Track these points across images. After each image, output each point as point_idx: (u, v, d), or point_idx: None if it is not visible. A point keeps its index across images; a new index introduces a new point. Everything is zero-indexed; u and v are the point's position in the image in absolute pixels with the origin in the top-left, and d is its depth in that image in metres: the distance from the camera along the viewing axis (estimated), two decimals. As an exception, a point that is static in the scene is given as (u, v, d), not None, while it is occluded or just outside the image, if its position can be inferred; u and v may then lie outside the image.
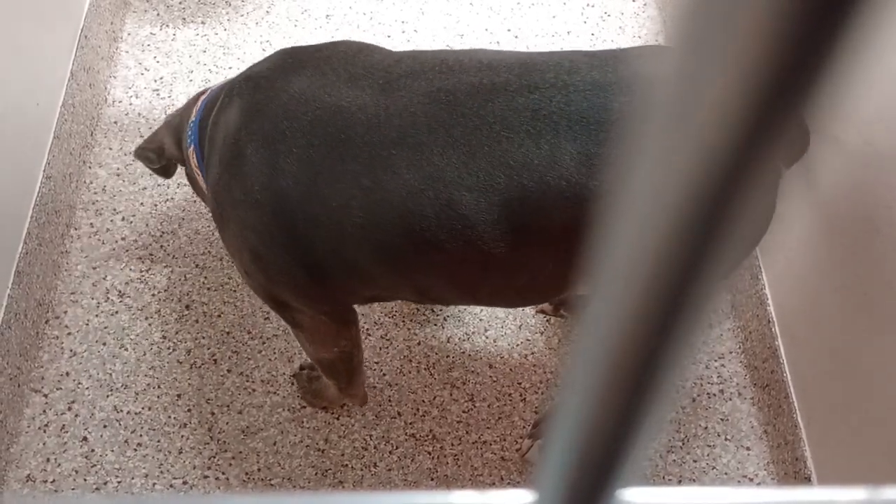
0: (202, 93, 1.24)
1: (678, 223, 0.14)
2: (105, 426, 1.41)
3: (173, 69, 1.86)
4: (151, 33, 1.92)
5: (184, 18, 1.94)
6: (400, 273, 1.02)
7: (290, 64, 1.03)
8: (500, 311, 1.55)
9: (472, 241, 0.94)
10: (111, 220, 1.64)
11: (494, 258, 0.96)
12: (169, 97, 1.81)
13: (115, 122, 1.77)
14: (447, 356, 1.51)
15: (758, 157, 0.14)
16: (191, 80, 1.84)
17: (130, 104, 1.80)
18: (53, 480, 1.36)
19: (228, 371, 1.48)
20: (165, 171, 1.33)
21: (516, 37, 1.95)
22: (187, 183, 1.68)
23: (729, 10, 0.12)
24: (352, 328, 1.21)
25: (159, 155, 1.28)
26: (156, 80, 1.84)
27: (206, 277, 1.58)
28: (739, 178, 0.14)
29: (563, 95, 0.92)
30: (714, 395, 1.50)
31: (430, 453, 1.41)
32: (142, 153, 1.30)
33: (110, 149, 1.73)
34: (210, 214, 1.63)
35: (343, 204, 0.95)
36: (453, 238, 0.94)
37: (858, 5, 0.12)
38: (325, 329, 1.17)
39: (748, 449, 1.44)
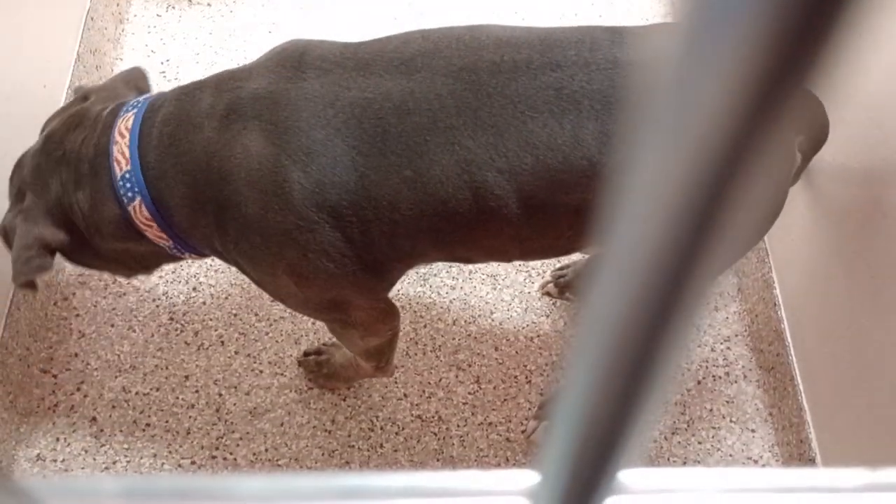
0: (103, 143, 0.97)
1: (682, 205, 0.14)
2: (114, 407, 1.42)
3: (179, 51, 1.85)
4: (157, 15, 1.91)
5: (190, 0, 1.94)
6: (444, 249, 1.02)
7: (291, 73, 0.95)
8: (505, 295, 1.55)
9: (506, 217, 0.95)
10: (118, 203, 1.64)
11: (524, 230, 0.97)
12: (176, 79, 1.81)
13: (122, 104, 1.77)
14: (453, 338, 1.51)
15: (762, 135, 0.14)
16: (197, 62, 1.83)
17: (137, 86, 1.80)
18: (63, 460, 1.37)
19: (236, 353, 1.48)
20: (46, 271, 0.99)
21: (523, 19, 1.94)
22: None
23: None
24: (394, 305, 1.19)
25: (47, 250, 0.99)
26: (162, 63, 1.84)
27: (212, 260, 1.58)
28: (745, 155, 0.14)
29: (584, 73, 0.91)
30: (719, 377, 1.50)
31: (435, 434, 1.42)
32: (25, 276, 0.97)
33: (117, 131, 1.73)
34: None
35: (392, 200, 0.94)
36: (489, 216, 0.95)
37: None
38: (377, 317, 1.14)
39: (753, 431, 1.45)
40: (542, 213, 0.95)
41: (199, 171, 0.95)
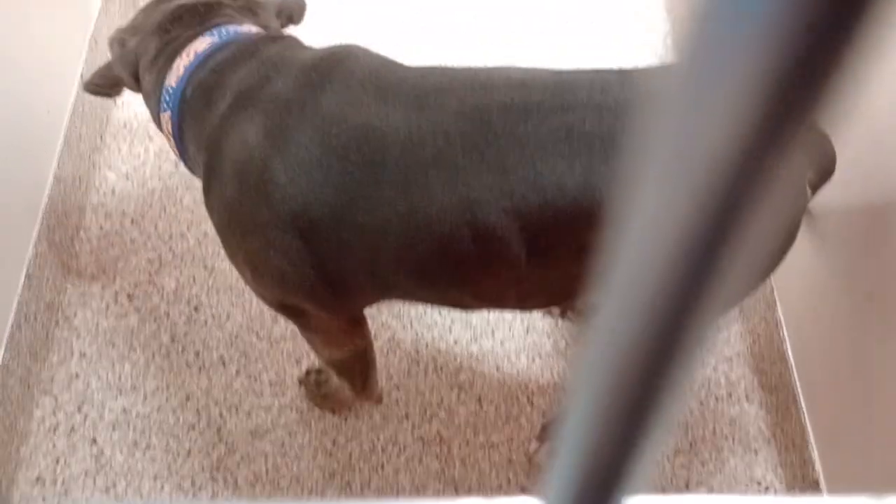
0: (176, 47, 1.10)
1: (686, 246, 0.14)
2: (114, 428, 1.42)
3: (182, 72, 1.86)
4: (160, 36, 1.93)
5: (192, 21, 1.95)
6: (433, 289, 1.01)
7: (317, 81, 0.97)
8: (507, 314, 1.55)
9: (506, 259, 0.93)
10: (120, 223, 1.64)
11: (525, 273, 0.96)
12: (178, 100, 1.82)
13: (125, 125, 1.78)
14: (455, 358, 1.51)
15: (769, 174, 0.14)
16: (199, 83, 1.84)
17: (140, 107, 1.80)
18: (63, 482, 1.37)
19: (237, 373, 1.48)
20: (115, 94, 1.26)
21: (519, 55, 1.95)
22: (196, 186, 1.69)
23: (736, 22, 0.12)
24: (364, 325, 1.20)
25: (114, 88, 1.22)
26: (165, 83, 1.85)
27: (214, 279, 1.58)
28: (751, 196, 0.14)
29: (595, 115, 0.90)
30: (722, 398, 1.49)
31: (437, 455, 1.42)
32: (95, 89, 1.22)
33: (120, 151, 1.74)
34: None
35: (379, 230, 0.93)
36: (487, 258, 0.93)
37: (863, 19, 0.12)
38: (338, 330, 1.16)
39: (756, 452, 1.44)
40: (546, 257, 0.94)
41: (205, 132, 1.02)
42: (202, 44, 1.07)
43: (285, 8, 1.23)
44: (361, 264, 0.96)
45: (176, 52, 1.08)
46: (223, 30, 1.09)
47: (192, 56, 1.06)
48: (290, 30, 1.21)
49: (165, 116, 1.09)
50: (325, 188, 0.93)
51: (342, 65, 0.99)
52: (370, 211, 0.93)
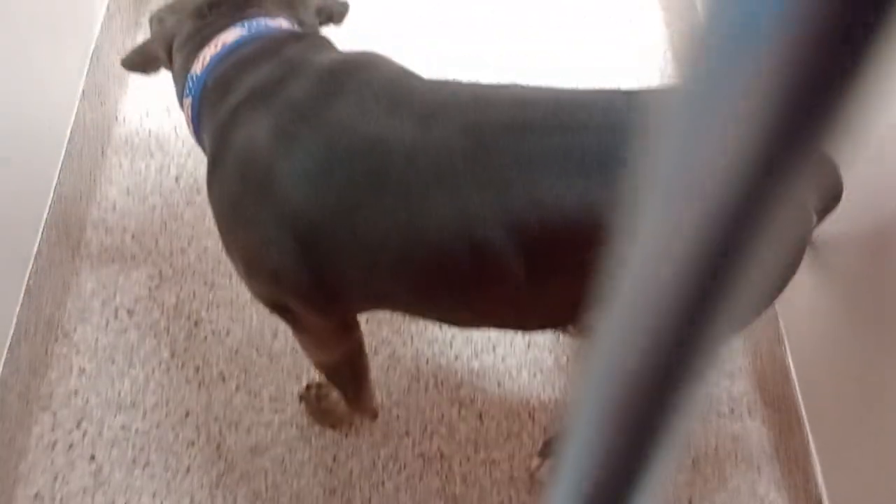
0: (207, 35, 1.12)
1: (688, 264, 0.14)
2: (113, 444, 1.41)
3: (184, 88, 1.87)
4: (162, 53, 1.93)
5: (194, 38, 1.96)
6: (426, 302, 1.02)
7: (331, 87, 0.99)
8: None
9: (502, 276, 0.94)
10: (121, 238, 1.64)
11: (521, 291, 0.96)
12: (179, 116, 1.82)
13: (126, 141, 1.78)
14: (455, 374, 1.50)
15: (772, 199, 0.13)
16: (201, 99, 1.85)
17: (141, 123, 1.81)
18: (61, 499, 1.36)
19: (237, 389, 1.47)
20: (151, 70, 1.27)
21: (524, 72, 1.96)
22: (196, 202, 1.69)
23: (739, 49, 0.12)
24: (355, 330, 1.20)
25: (151, 65, 1.23)
26: (166, 100, 1.85)
27: (214, 295, 1.58)
28: (754, 220, 0.14)
29: (596, 136, 0.91)
30: (724, 414, 1.49)
31: (438, 472, 1.41)
32: (132, 64, 1.24)
33: (121, 167, 1.74)
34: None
35: (377, 239, 0.94)
36: (484, 273, 0.94)
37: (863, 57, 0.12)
38: (328, 332, 1.16)
39: (759, 470, 1.43)
40: (544, 276, 0.94)
41: (218, 123, 1.04)
42: (231, 35, 1.09)
43: (326, 6, 1.24)
44: (357, 271, 0.97)
45: (206, 40, 1.11)
46: (254, 23, 1.11)
47: (219, 47, 1.09)
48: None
49: (187, 102, 1.12)
50: (327, 193, 0.94)
51: (359, 73, 1.00)
52: (370, 220, 0.94)
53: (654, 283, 0.15)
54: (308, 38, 1.10)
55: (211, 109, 1.07)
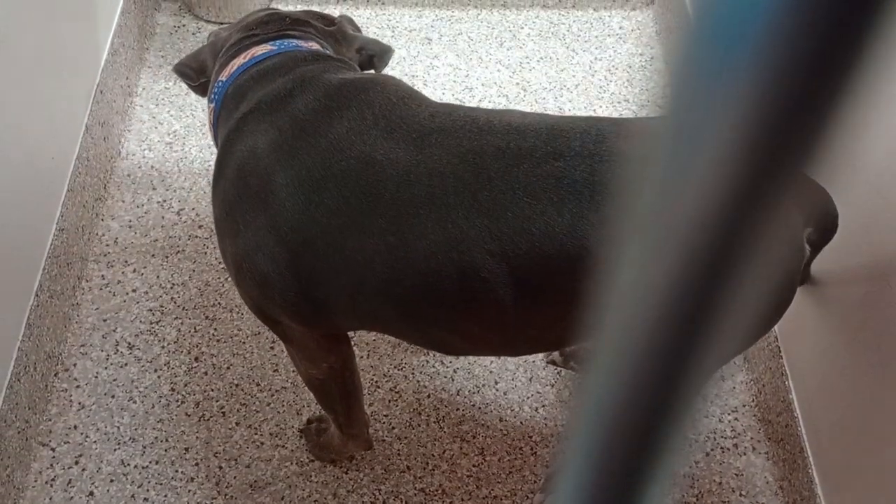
0: (243, 47, 1.17)
1: (673, 294, 0.14)
2: (112, 481, 1.40)
3: (186, 122, 1.88)
4: (166, 87, 1.95)
5: (197, 73, 1.97)
6: (413, 324, 1.02)
7: (334, 106, 1.02)
8: (510, 364, 1.54)
9: (491, 302, 0.94)
10: (122, 272, 1.64)
11: (510, 317, 0.96)
12: (182, 150, 1.83)
13: (129, 175, 1.79)
14: (457, 409, 1.49)
15: (757, 227, 0.13)
16: (203, 134, 1.86)
17: (144, 157, 1.82)
18: (59, 536, 1.34)
19: (237, 424, 1.47)
20: (203, 89, 1.28)
21: (524, 90, 1.97)
22: (198, 236, 1.69)
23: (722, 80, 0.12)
24: (343, 345, 1.20)
25: (199, 73, 1.26)
26: (169, 134, 1.86)
27: (215, 329, 1.57)
28: (735, 245, 0.14)
29: (587, 164, 0.92)
30: (728, 449, 1.47)
31: (439, 509, 1.39)
32: (182, 69, 1.27)
33: (123, 201, 1.75)
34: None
35: (367, 259, 0.95)
36: (473, 299, 0.95)
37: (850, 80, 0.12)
38: (315, 344, 1.16)
39: (764, 505, 1.42)
40: (533, 302, 0.95)
41: (227, 130, 1.08)
42: (261, 49, 1.15)
43: (368, 46, 1.28)
44: (345, 288, 0.99)
45: (240, 51, 1.16)
46: (286, 42, 1.16)
47: (247, 58, 1.14)
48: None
49: (211, 107, 1.17)
50: (319, 208, 0.97)
51: (364, 94, 1.03)
52: (360, 238, 0.95)
53: (639, 313, 0.15)
54: (328, 60, 1.14)
55: (226, 116, 1.11)
